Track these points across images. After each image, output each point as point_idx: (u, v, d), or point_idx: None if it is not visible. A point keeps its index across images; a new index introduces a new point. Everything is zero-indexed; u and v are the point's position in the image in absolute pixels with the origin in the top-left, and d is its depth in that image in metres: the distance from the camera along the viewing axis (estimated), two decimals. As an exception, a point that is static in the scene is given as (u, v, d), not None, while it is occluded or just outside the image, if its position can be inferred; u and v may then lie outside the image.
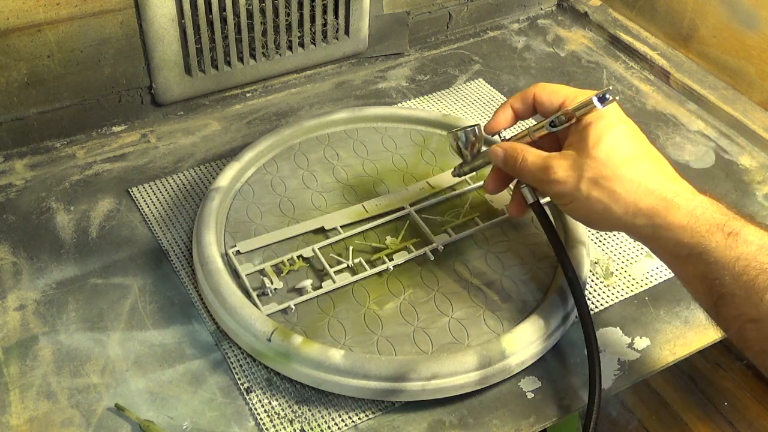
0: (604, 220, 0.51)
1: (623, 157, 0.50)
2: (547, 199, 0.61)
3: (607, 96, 0.50)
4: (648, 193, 0.49)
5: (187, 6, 0.73)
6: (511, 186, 0.60)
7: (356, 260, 0.62)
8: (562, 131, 0.54)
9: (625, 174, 0.50)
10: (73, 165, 0.74)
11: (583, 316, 0.55)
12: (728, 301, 0.46)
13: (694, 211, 0.48)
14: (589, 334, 0.55)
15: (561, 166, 0.52)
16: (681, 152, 0.80)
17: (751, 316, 0.45)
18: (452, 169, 0.64)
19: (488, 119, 0.59)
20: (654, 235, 0.50)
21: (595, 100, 0.51)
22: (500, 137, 0.59)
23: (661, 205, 0.49)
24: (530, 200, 0.57)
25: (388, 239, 0.65)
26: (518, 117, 0.58)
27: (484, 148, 0.61)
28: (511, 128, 0.59)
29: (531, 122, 0.62)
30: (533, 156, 0.54)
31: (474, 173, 0.65)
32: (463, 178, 0.68)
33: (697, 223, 0.47)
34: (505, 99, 0.85)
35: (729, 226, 0.47)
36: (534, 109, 0.57)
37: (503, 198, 0.68)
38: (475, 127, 0.60)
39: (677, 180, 0.51)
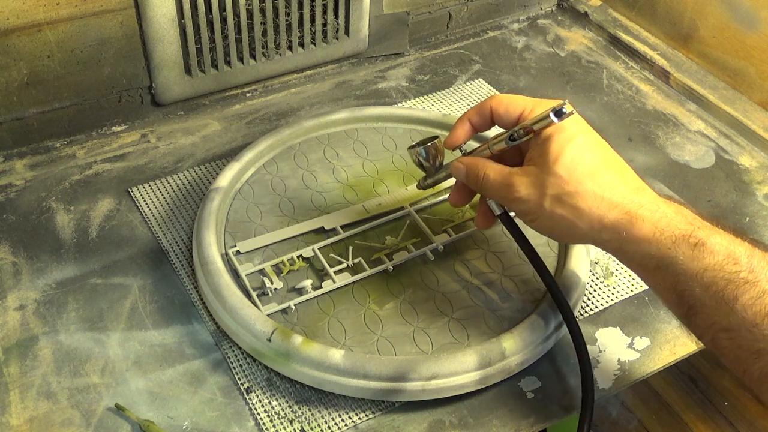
0: (569, 236, 0.51)
1: (585, 170, 0.49)
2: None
3: (564, 109, 0.49)
4: (612, 207, 0.49)
5: (187, 6, 0.74)
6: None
7: (356, 260, 0.62)
8: (524, 143, 0.53)
9: (588, 189, 0.49)
10: (73, 165, 0.74)
11: (568, 322, 0.55)
12: (699, 311, 0.46)
13: (658, 223, 0.48)
14: (578, 341, 0.55)
15: (523, 183, 0.51)
16: (681, 152, 0.80)
17: (722, 326, 0.45)
18: (417, 182, 0.64)
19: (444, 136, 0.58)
20: (621, 248, 0.49)
21: (551, 114, 0.49)
22: (461, 151, 0.58)
23: (625, 219, 0.48)
24: (497, 212, 0.56)
25: (388, 239, 0.65)
26: (477, 130, 0.57)
27: (447, 161, 0.60)
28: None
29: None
30: (495, 173, 0.53)
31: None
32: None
33: (662, 236, 0.47)
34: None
35: (695, 237, 0.46)
36: (492, 121, 0.56)
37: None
38: (436, 141, 0.59)
39: (641, 190, 0.50)
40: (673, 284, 0.47)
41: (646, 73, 0.91)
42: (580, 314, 0.62)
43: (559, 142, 0.50)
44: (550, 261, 0.63)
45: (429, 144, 0.59)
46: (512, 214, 0.58)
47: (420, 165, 0.60)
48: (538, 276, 0.56)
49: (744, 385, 0.46)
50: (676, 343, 0.61)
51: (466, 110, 0.83)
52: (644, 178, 0.53)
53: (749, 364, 0.45)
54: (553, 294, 0.56)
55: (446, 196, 0.68)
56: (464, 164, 0.55)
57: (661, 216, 0.48)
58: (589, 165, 0.50)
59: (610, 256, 0.67)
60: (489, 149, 0.55)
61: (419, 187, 0.64)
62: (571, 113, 0.50)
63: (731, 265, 0.45)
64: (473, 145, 0.59)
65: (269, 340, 0.54)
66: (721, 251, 0.46)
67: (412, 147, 0.60)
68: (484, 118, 0.56)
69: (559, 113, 0.49)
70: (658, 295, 0.50)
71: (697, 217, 0.48)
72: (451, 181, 0.66)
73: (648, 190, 0.50)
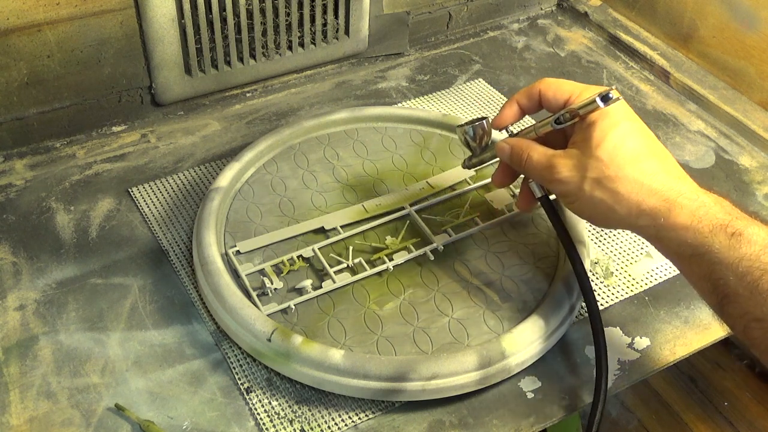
0: (608, 220, 0.52)
1: (626, 156, 0.50)
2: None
3: (611, 95, 0.50)
4: (651, 194, 0.49)
5: (187, 6, 0.74)
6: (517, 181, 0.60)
7: (356, 260, 0.62)
8: (569, 127, 0.54)
9: (629, 174, 0.50)
10: (73, 165, 0.74)
11: (591, 309, 0.55)
12: (733, 301, 0.46)
13: (697, 211, 0.48)
14: (597, 329, 0.55)
15: (565, 165, 0.52)
16: (681, 152, 0.80)
17: (755, 316, 0.45)
18: (462, 161, 0.65)
19: (492, 116, 0.59)
20: (657, 235, 0.50)
21: (598, 99, 0.50)
22: (507, 132, 0.59)
23: (664, 206, 0.49)
24: (538, 194, 0.57)
25: (388, 239, 0.65)
26: (525, 112, 0.58)
27: (492, 142, 0.61)
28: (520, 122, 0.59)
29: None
30: (538, 154, 0.54)
31: (475, 173, 0.65)
32: (463, 178, 0.68)
33: (701, 224, 0.48)
34: (505, 99, 0.85)
35: (732, 226, 0.47)
36: (540, 104, 0.57)
37: (503, 198, 0.68)
38: (484, 121, 0.60)
39: (681, 178, 0.50)
40: (708, 273, 0.47)
41: (646, 73, 0.91)
42: (580, 314, 0.62)
43: (603, 127, 0.51)
44: (550, 261, 0.63)
45: (477, 123, 0.60)
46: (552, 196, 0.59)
47: (467, 144, 0.61)
48: (570, 261, 0.57)
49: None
50: (676, 343, 0.60)
51: (465, 110, 0.83)
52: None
53: None
54: (582, 283, 0.56)
55: (446, 195, 0.69)
56: (509, 144, 0.57)
57: (699, 205, 0.48)
58: (631, 151, 0.50)
59: (610, 256, 0.67)
60: (534, 131, 0.56)
61: (464, 166, 0.65)
62: (618, 99, 0.50)
63: None
64: (519, 127, 0.60)
65: (269, 340, 0.54)
66: (759, 242, 0.46)
67: (460, 126, 0.61)
68: (532, 100, 0.57)
69: (606, 99, 0.50)
70: (692, 283, 0.50)
71: (735, 208, 0.49)
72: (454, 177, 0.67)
73: (688, 179, 0.51)
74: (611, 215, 0.51)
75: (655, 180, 0.50)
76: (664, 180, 0.50)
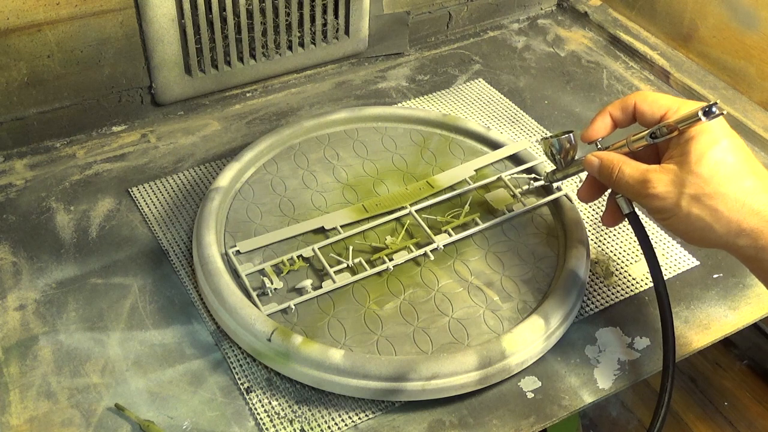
0: (704, 238, 0.50)
1: (727, 174, 0.49)
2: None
3: (714, 109, 0.49)
4: (752, 214, 0.48)
5: (187, 6, 0.74)
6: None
7: (356, 260, 0.62)
8: (662, 143, 0.52)
9: (729, 192, 0.48)
10: (73, 165, 0.74)
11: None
12: None
13: None
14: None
15: (661, 180, 0.50)
16: (681, 152, 0.80)
17: None
18: (544, 176, 0.63)
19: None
20: (756, 256, 0.49)
21: (700, 113, 0.49)
22: (596, 145, 0.58)
23: (767, 227, 0.48)
24: (626, 210, 0.56)
25: (388, 239, 0.65)
26: (617, 125, 0.57)
27: (578, 156, 0.60)
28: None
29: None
30: (631, 168, 0.52)
31: (475, 172, 0.64)
32: (463, 177, 0.68)
33: None
34: (504, 98, 0.85)
35: None
36: (633, 118, 0.55)
37: (503, 198, 0.68)
38: (571, 135, 0.59)
39: None
40: None
41: (646, 73, 0.91)
42: (580, 314, 0.62)
43: (703, 142, 0.49)
44: (550, 261, 0.63)
45: (563, 136, 0.59)
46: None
47: (552, 157, 0.60)
48: (654, 286, 0.56)
49: None
50: (676, 343, 0.60)
51: (465, 110, 0.83)
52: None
53: None
54: (662, 307, 0.56)
55: (446, 195, 0.69)
56: (599, 158, 0.55)
57: None
58: (731, 168, 0.49)
59: (610, 256, 0.67)
60: (627, 146, 0.55)
61: (546, 180, 0.63)
62: (720, 114, 0.49)
63: None
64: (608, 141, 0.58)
65: (269, 340, 0.54)
66: None
67: (545, 138, 0.60)
68: (626, 113, 0.55)
69: (709, 113, 0.49)
70: None
71: None
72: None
73: None
74: (708, 233, 0.49)
75: (756, 200, 0.48)
76: (765, 200, 0.48)
